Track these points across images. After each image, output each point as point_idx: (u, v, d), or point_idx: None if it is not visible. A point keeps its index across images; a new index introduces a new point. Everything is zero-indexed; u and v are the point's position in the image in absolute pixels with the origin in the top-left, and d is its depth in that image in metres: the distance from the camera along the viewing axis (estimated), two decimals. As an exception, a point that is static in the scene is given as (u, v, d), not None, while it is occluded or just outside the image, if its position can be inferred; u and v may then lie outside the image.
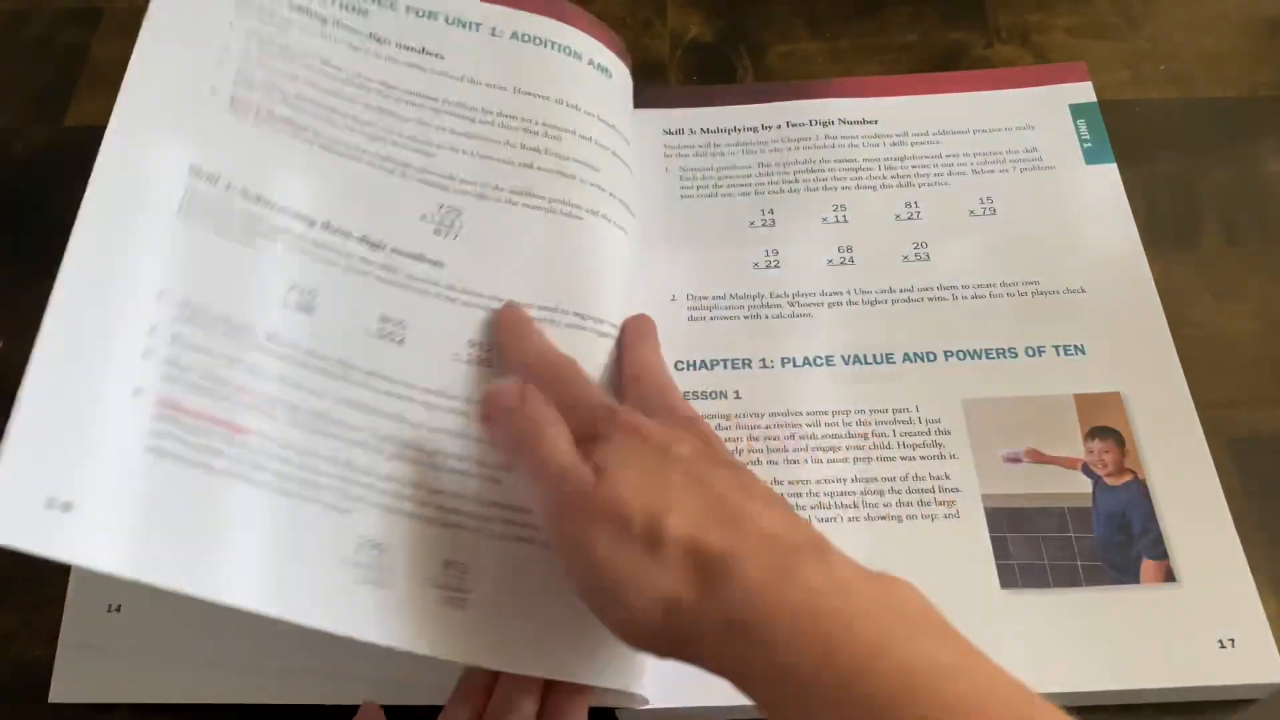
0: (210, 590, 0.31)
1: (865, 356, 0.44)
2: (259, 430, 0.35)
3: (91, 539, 0.29)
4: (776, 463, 0.41)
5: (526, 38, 0.47)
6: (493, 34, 0.47)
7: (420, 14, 0.47)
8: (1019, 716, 0.25)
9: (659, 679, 0.35)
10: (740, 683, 0.28)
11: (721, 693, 0.28)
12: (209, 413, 0.34)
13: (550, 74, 0.46)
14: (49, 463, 0.30)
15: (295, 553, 0.34)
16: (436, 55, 0.46)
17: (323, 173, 0.42)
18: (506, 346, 0.38)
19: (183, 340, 0.35)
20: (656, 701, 0.36)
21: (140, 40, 0.41)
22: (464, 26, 0.47)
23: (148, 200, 0.38)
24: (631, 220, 0.45)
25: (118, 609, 0.38)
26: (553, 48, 0.47)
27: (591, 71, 0.47)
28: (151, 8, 0.42)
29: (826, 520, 0.40)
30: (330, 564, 0.34)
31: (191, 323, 0.36)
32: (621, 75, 0.49)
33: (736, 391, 0.43)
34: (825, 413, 0.42)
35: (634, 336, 0.41)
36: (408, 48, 0.46)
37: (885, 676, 0.25)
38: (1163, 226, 0.47)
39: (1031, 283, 0.45)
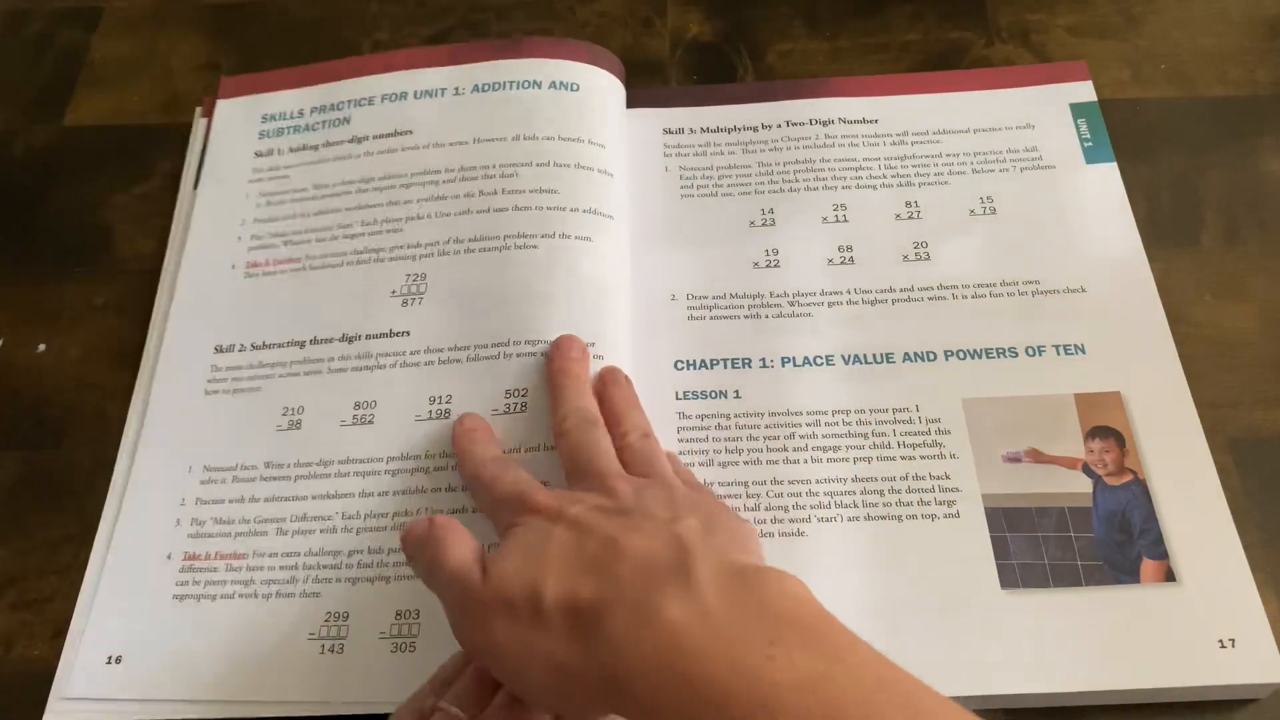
0: (209, 694, 0.37)
1: (865, 356, 0.44)
2: (253, 551, 0.39)
3: (131, 679, 0.37)
4: (776, 462, 0.41)
5: (486, 86, 0.49)
6: (456, 93, 0.50)
7: (393, 98, 0.50)
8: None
9: None
10: None
11: None
12: (218, 553, 0.40)
13: (507, 115, 0.48)
14: (110, 629, 0.38)
15: (273, 643, 0.37)
16: (407, 133, 0.49)
17: (311, 293, 0.45)
18: (458, 456, 0.39)
19: (202, 500, 0.41)
20: None
21: (190, 236, 0.47)
22: (430, 95, 0.50)
23: (185, 388, 0.44)
24: (605, 224, 0.45)
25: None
26: (510, 87, 0.49)
27: (551, 95, 0.49)
28: (196, 210, 0.48)
29: (826, 520, 0.40)
30: (301, 643, 0.37)
31: (210, 482, 0.41)
32: (597, 83, 0.50)
33: (736, 391, 0.43)
34: (825, 412, 0.42)
35: (556, 375, 0.40)
36: (381, 135, 0.49)
37: (747, 702, 0.25)
38: (1163, 226, 0.47)
39: (1031, 282, 0.45)
